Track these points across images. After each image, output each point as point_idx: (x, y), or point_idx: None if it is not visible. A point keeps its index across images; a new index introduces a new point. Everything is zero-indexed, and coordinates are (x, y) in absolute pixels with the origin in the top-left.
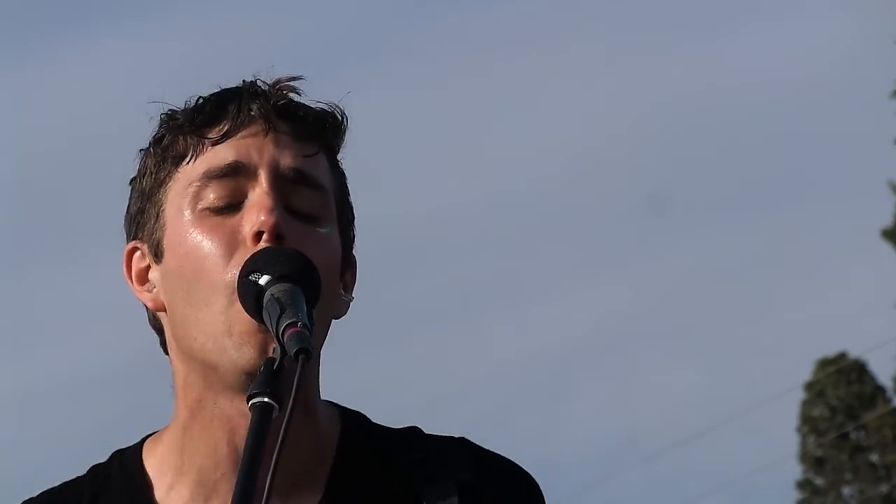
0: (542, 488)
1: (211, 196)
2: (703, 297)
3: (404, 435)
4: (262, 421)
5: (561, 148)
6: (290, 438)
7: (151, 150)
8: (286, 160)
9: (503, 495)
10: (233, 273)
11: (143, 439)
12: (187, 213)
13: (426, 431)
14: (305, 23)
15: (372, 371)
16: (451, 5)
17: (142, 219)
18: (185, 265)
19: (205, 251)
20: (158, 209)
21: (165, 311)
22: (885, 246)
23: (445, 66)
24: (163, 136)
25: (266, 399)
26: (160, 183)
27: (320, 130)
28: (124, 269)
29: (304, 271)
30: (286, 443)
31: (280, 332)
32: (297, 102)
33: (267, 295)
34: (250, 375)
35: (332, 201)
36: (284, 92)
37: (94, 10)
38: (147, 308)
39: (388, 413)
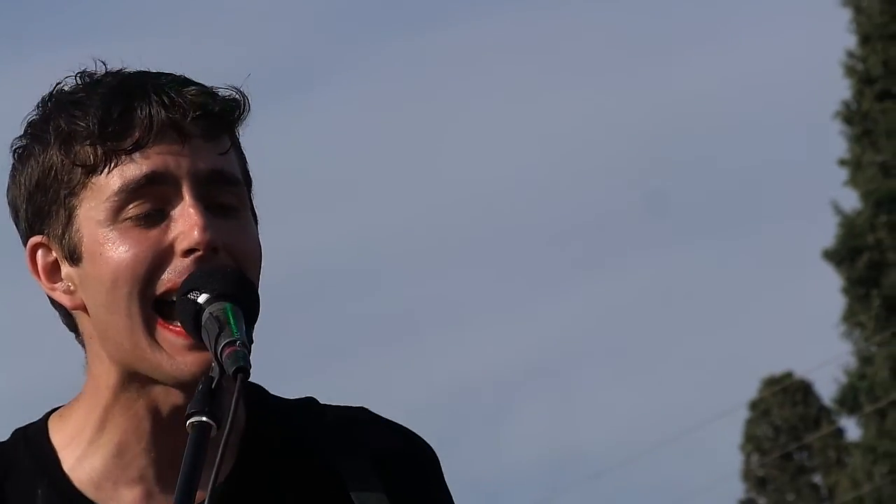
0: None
1: (131, 209)
2: (647, 316)
3: (306, 405)
4: (200, 440)
5: (500, 166)
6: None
7: (54, 150)
8: (204, 164)
9: (410, 463)
10: (162, 287)
11: (47, 415)
12: (107, 225)
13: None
14: (272, 35)
15: (310, 392)
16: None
17: (47, 218)
18: (109, 276)
19: (131, 265)
20: (69, 214)
21: (85, 311)
22: (827, 266)
23: (430, 72)
24: (68, 136)
25: (204, 418)
26: (70, 190)
27: (230, 124)
28: (29, 264)
29: (242, 289)
30: (224, 460)
31: (219, 351)
32: (205, 100)
33: (205, 314)
34: (183, 385)
35: (245, 189)
36: (192, 91)
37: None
38: (56, 304)
39: None
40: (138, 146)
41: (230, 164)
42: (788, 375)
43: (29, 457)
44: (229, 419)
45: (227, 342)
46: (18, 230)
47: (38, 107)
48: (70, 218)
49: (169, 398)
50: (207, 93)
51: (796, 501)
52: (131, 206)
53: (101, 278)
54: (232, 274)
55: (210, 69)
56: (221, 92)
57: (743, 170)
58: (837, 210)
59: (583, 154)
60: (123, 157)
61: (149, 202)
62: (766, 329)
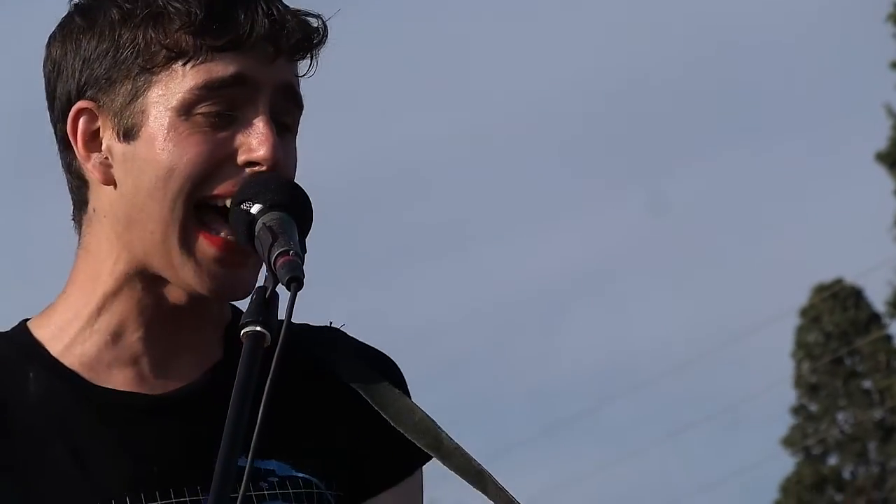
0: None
1: (205, 105)
2: (697, 223)
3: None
4: (254, 349)
5: (548, 75)
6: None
7: (142, 24)
8: (284, 79)
9: (388, 376)
10: (212, 191)
11: (22, 321)
12: (178, 114)
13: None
14: None
15: (366, 303)
16: None
17: (106, 86)
18: (166, 164)
19: (192, 162)
20: (137, 92)
21: (114, 186)
22: (880, 169)
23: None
24: (162, 16)
25: (258, 328)
26: (147, 68)
27: (311, 49)
28: (69, 127)
29: (296, 200)
30: (277, 372)
31: (272, 261)
32: (302, 22)
33: (259, 223)
34: (197, 295)
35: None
36: (290, 10)
37: None
38: (75, 168)
39: (381, 344)
40: (233, 46)
41: (300, 85)
42: (839, 281)
43: (13, 349)
44: (283, 330)
45: (281, 252)
46: (53, 86)
47: None
48: (136, 95)
49: (176, 295)
50: (303, 15)
51: (848, 406)
52: (207, 102)
53: (155, 163)
54: (286, 185)
55: None
56: (306, 16)
57: (794, 72)
58: (890, 113)
59: (628, 61)
60: (214, 53)
61: (224, 103)
62: (817, 234)
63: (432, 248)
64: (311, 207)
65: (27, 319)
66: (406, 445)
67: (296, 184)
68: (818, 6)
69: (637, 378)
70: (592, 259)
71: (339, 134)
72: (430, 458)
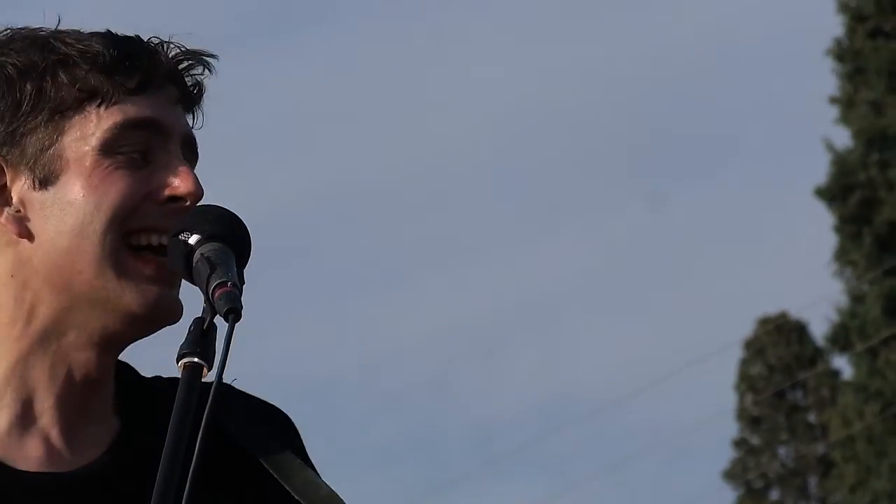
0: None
1: (124, 146)
2: (642, 256)
3: (171, 381)
4: (192, 380)
5: (496, 111)
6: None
7: (50, 69)
8: (187, 129)
9: (285, 428)
10: (135, 223)
11: None
12: (99, 154)
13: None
14: None
15: (307, 338)
16: None
17: (14, 139)
18: (92, 203)
19: (119, 198)
20: (50, 139)
21: (28, 239)
22: (819, 205)
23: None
24: (71, 58)
25: (196, 359)
26: (59, 112)
27: (200, 101)
28: None
29: (235, 231)
30: (216, 404)
31: (210, 292)
32: (195, 70)
33: (197, 254)
34: (136, 319)
35: None
36: (189, 60)
37: None
38: None
39: (322, 379)
40: (142, 89)
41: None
42: (783, 315)
43: None
44: (222, 360)
45: (219, 283)
46: None
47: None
48: (50, 142)
49: (85, 363)
50: (194, 56)
51: (790, 440)
52: (124, 143)
53: (81, 203)
54: (225, 216)
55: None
56: (193, 68)
57: (734, 108)
58: (829, 148)
59: (572, 95)
60: (126, 95)
61: (141, 144)
62: (761, 268)
63: (373, 281)
64: (250, 239)
65: None
66: None
67: (235, 215)
68: (758, 40)
69: (580, 410)
70: (535, 290)
71: (282, 164)
72: None
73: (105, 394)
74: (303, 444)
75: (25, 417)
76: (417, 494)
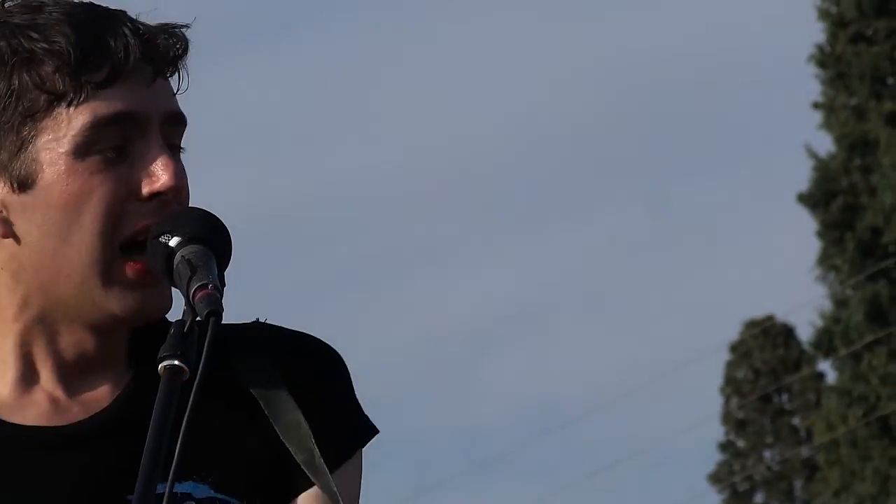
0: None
1: (97, 144)
2: (625, 260)
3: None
4: (172, 383)
5: (477, 108)
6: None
7: (13, 72)
8: (168, 105)
9: (311, 361)
10: (123, 227)
11: None
12: (72, 158)
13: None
14: None
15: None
16: None
17: None
18: (72, 208)
19: (96, 200)
20: (24, 142)
21: (14, 239)
22: (802, 210)
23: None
24: (33, 59)
25: (176, 362)
26: (29, 115)
27: (182, 62)
28: None
29: (215, 233)
30: (196, 407)
31: (191, 294)
32: (170, 39)
33: (177, 256)
34: (120, 320)
35: None
36: (155, 28)
37: None
38: None
39: None
40: (111, 80)
41: (178, 101)
42: (769, 318)
43: None
44: (202, 363)
45: (200, 285)
46: None
47: None
48: (23, 144)
49: (78, 345)
50: (168, 31)
51: (775, 444)
52: (98, 141)
53: (61, 209)
54: (204, 217)
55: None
56: (173, 29)
57: (716, 114)
58: (811, 154)
59: (556, 99)
60: (95, 89)
61: (115, 138)
62: (746, 272)
63: (357, 284)
64: (231, 241)
65: None
66: (321, 447)
67: (216, 217)
68: (741, 46)
69: (565, 415)
70: (518, 297)
71: (271, 164)
72: (345, 458)
73: (113, 348)
74: (334, 372)
75: (29, 378)
76: (403, 498)
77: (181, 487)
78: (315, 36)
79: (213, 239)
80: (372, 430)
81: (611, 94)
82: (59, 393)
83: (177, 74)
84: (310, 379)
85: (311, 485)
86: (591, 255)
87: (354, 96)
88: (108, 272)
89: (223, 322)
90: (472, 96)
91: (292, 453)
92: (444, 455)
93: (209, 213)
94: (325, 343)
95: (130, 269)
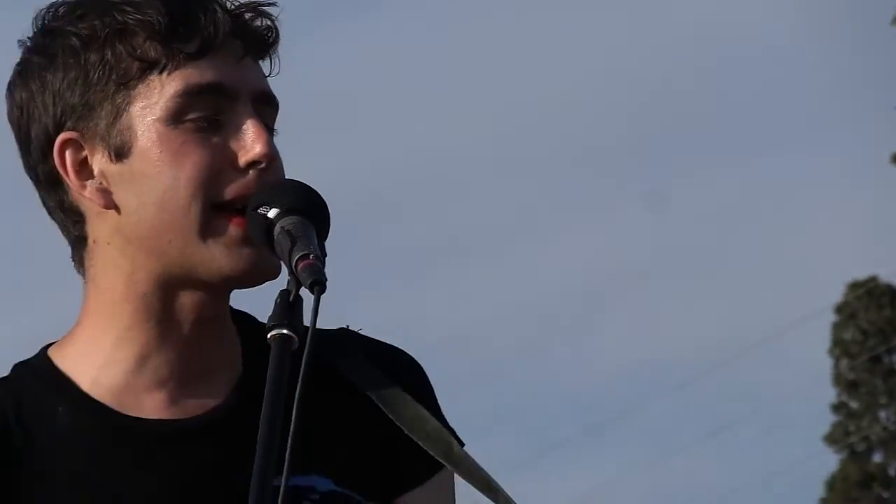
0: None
1: (189, 113)
2: (732, 224)
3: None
4: (282, 352)
5: (575, 79)
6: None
7: (107, 43)
8: (259, 83)
9: (405, 376)
10: (220, 193)
11: (43, 350)
12: (166, 125)
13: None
14: None
15: (398, 305)
16: None
17: (86, 113)
18: (169, 175)
19: (197, 168)
20: (119, 110)
21: (116, 210)
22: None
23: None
24: (126, 30)
25: (285, 331)
26: (123, 84)
27: (274, 49)
28: (57, 161)
29: (313, 203)
30: (307, 376)
31: (293, 264)
32: (263, 20)
33: (277, 228)
34: (231, 280)
35: None
36: (249, 7)
37: None
38: (69, 204)
39: (416, 350)
40: (203, 52)
41: (270, 84)
42: (873, 279)
43: (40, 383)
44: (311, 332)
45: (301, 255)
46: (26, 131)
47: (53, 11)
48: (118, 113)
49: (195, 307)
50: (257, 9)
51: (889, 403)
52: (191, 110)
53: (157, 177)
54: (301, 188)
55: None
56: (264, 8)
57: (812, 79)
58: None
59: (657, 61)
60: (186, 59)
61: (207, 109)
62: (847, 234)
63: (464, 251)
64: (328, 211)
65: (47, 347)
66: (412, 459)
67: (312, 188)
68: (825, 11)
69: (677, 377)
70: (630, 258)
71: (363, 137)
72: (437, 470)
73: (224, 341)
74: (426, 385)
75: (142, 372)
76: (516, 462)
77: (304, 480)
78: (394, 12)
79: (311, 209)
80: (459, 443)
81: (701, 51)
82: (172, 383)
83: (268, 59)
84: (406, 386)
85: (419, 483)
86: (699, 219)
87: (442, 65)
88: (209, 230)
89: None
90: (565, 59)
91: (424, 447)
92: (556, 419)
93: (305, 184)
94: (410, 355)
95: (234, 225)
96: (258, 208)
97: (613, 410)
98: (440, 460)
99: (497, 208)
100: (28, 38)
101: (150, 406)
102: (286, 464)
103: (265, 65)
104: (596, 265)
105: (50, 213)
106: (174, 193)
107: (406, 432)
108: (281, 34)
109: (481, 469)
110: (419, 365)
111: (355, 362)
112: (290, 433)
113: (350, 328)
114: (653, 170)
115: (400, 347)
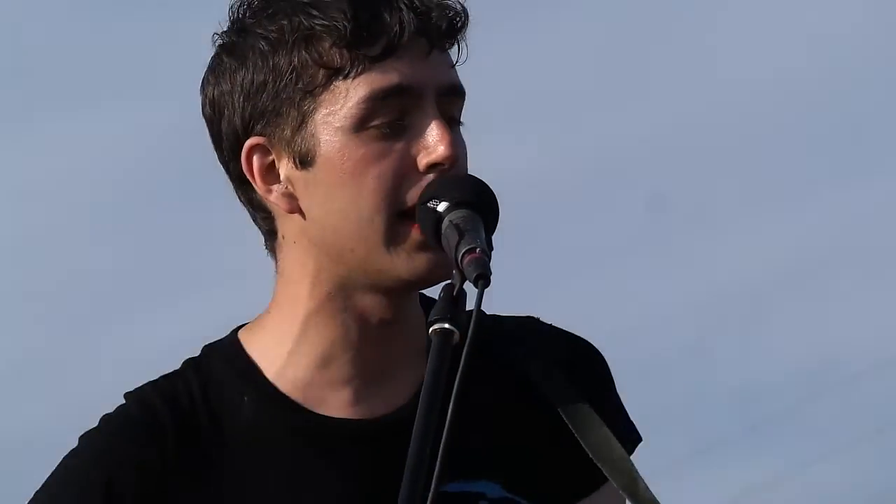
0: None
1: (375, 119)
2: None
3: (480, 318)
4: (443, 346)
5: (755, 68)
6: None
7: (294, 48)
8: (445, 77)
9: (585, 364)
10: (403, 200)
11: (234, 331)
12: (349, 133)
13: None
14: None
15: (562, 301)
16: None
17: (272, 118)
18: (352, 185)
19: (378, 178)
20: (304, 117)
21: (300, 214)
22: None
23: None
24: (312, 36)
25: (447, 325)
26: (308, 91)
27: (461, 33)
28: (244, 165)
29: (482, 197)
30: (467, 369)
31: (459, 258)
32: (446, 9)
33: (445, 221)
34: (411, 284)
35: None
36: (436, 5)
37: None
38: (257, 202)
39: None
40: (387, 53)
41: (457, 73)
42: None
43: (228, 368)
44: (472, 326)
45: (468, 249)
46: (217, 128)
47: (246, 7)
48: (304, 120)
49: (377, 308)
50: (444, 4)
51: None
52: (375, 116)
53: (340, 186)
54: (471, 182)
55: None
56: (448, 1)
57: None
58: None
59: (841, 61)
60: (371, 63)
61: (392, 112)
62: None
63: (628, 247)
64: (497, 204)
65: (238, 329)
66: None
67: (482, 182)
68: None
69: (843, 374)
70: (795, 256)
71: (531, 132)
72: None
73: (410, 340)
74: (606, 375)
75: (326, 368)
76: (679, 459)
77: (474, 486)
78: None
79: (480, 203)
80: (638, 439)
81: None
82: (356, 381)
83: (455, 46)
84: (591, 386)
85: (594, 489)
86: (867, 212)
87: (628, 60)
88: (393, 238)
89: (497, 314)
90: (735, 54)
91: (607, 475)
92: (719, 416)
93: (475, 177)
94: (595, 348)
95: (416, 231)
96: (428, 202)
97: (778, 407)
98: (623, 493)
99: (668, 198)
100: (223, 32)
101: (335, 404)
102: (437, 468)
103: (453, 51)
104: (762, 261)
105: (242, 205)
106: (357, 205)
107: (589, 454)
108: (470, 16)
109: None
110: (602, 358)
111: (541, 365)
112: (444, 436)
113: (538, 319)
114: (821, 160)
115: (585, 339)
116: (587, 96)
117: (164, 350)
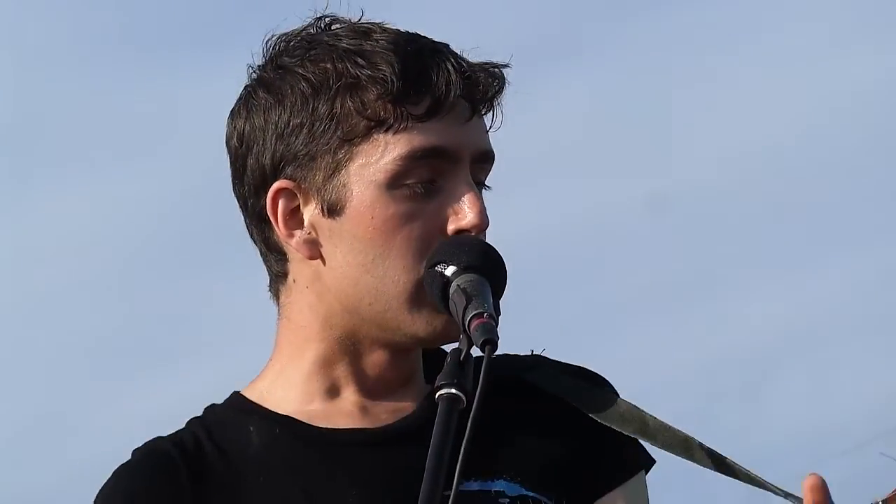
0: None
1: (410, 178)
2: None
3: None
4: (449, 412)
5: (770, 124)
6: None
7: (338, 95)
8: (482, 143)
9: (596, 383)
10: (428, 264)
11: (233, 392)
12: (382, 188)
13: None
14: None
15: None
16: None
17: (306, 162)
18: (381, 242)
19: (403, 237)
20: (338, 165)
21: (321, 260)
22: None
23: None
24: (358, 85)
25: (454, 391)
26: (347, 140)
27: (499, 100)
28: (268, 205)
29: (490, 262)
30: (474, 433)
31: (466, 323)
32: (490, 76)
33: (453, 286)
34: (423, 342)
35: None
36: (477, 65)
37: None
38: (273, 243)
39: None
40: (431, 114)
41: (490, 141)
42: None
43: (230, 411)
44: (478, 391)
45: (475, 314)
46: (242, 161)
47: (285, 44)
48: (337, 168)
49: (381, 363)
50: (489, 70)
51: None
52: (411, 175)
53: (368, 241)
54: (479, 246)
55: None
56: (494, 69)
57: None
58: None
59: (842, 131)
60: (414, 121)
61: (427, 173)
62: None
63: (632, 311)
64: (505, 268)
65: (237, 391)
66: (625, 446)
67: (490, 246)
68: None
69: (846, 443)
70: (801, 324)
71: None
72: (652, 462)
73: (414, 366)
74: (616, 393)
75: (332, 402)
76: None
77: (494, 486)
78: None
79: (488, 267)
80: (651, 460)
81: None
82: (363, 402)
83: (492, 112)
84: (598, 388)
85: (614, 486)
86: (870, 283)
87: (630, 124)
88: (417, 300)
89: (500, 353)
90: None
91: (617, 429)
92: (720, 484)
93: (484, 241)
94: (600, 374)
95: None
96: (435, 266)
97: (784, 474)
98: (635, 437)
99: (664, 270)
100: (258, 66)
101: (341, 421)
102: (458, 465)
103: (488, 117)
104: (766, 329)
105: (252, 241)
106: (383, 262)
107: (599, 421)
108: (508, 83)
109: (678, 432)
110: (612, 385)
111: (545, 372)
112: (465, 434)
113: (540, 354)
114: (822, 228)
115: (592, 369)
116: (586, 159)
117: (167, 416)
